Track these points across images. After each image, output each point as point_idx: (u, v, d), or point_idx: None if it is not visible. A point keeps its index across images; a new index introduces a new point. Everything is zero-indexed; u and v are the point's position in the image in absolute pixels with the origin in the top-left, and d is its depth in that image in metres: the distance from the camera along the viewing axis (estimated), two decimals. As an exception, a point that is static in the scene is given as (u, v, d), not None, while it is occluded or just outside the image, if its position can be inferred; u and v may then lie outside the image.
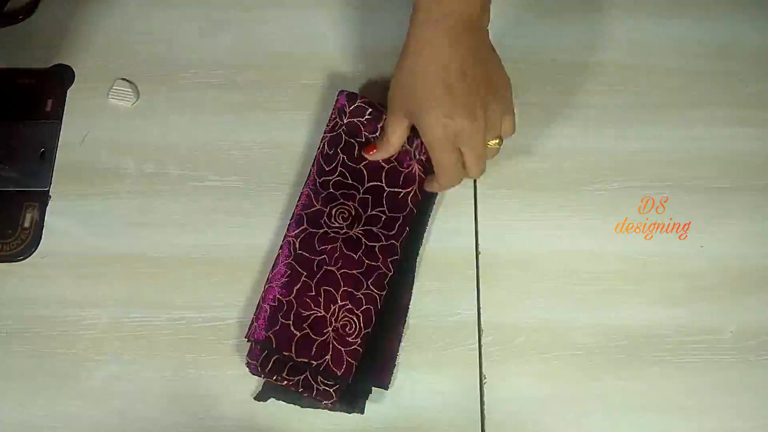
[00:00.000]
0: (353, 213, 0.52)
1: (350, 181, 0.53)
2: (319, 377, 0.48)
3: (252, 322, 0.49)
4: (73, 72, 0.58)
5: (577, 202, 0.54)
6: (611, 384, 0.50)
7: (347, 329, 0.49)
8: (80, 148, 0.56)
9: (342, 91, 0.54)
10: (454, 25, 0.46)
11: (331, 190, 0.52)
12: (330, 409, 0.48)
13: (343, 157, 0.53)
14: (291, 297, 0.49)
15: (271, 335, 0.48)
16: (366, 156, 0.53)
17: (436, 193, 0.53)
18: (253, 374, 0.49)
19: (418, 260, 0.52)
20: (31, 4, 0.59)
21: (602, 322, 0.51)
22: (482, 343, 0.50)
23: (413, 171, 0.53)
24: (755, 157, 0.55)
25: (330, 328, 0.49)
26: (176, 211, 0.54)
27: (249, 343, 0.49)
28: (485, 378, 0.50)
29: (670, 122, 0.56)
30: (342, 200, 0.52)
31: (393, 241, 0.51)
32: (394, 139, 0.51)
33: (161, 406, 0.49)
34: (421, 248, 0.52)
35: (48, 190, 0.54)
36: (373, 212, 0.52)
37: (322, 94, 0.57)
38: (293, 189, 0.54)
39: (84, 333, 0.51)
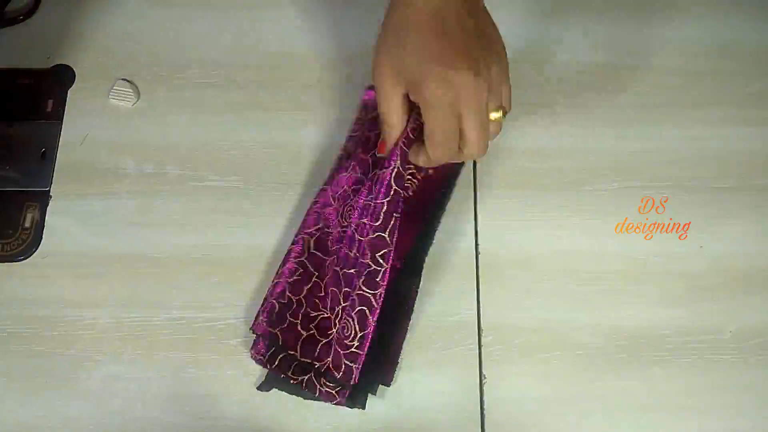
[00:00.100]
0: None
1: (360, 175, 0.51)
2: (322, 379, 0.48)
3: (258, 315, 0.49)
4: (73, 72, 0.58)
5: (577, 202, 0.54)
6: (611, 384, 0.50)
7: (345, 332, 0.49)
8: (80, 148, 0.56)
9: (370, 86, 0.53)
10: None
11: (345, 187, 0.51)
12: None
13: (359, 153, 0.52)
14: (301, 296, 0.49)
15: (278, 332, 0.49)
16: (378, 155, 0.49)
17: (448, 197, 0.52)
18: (261, 366, 0.49)
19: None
20: (32, 5, 0.60)
21: (602, 322, 0.51)
22: (482, 343, 0.50)
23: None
24: (756, 157, 0.55)
25: (334, 330, 0.49)
26: (176, 211, 0.54)
27: (254, 336, 0.49)
28: (485, 378, 0.50)
29: (670, 122, 0.56)
30: (352, 196, 0.51)
31: (380, 233, 0.48)
32: (392, 118, 0.45)
33: (161, 406, 0.49)
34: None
35: (48, 190, 0.54)
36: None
37: (322, 94, 0.57)
38: (293, 189, 0.54)
39: (84, 333, 0.51)
